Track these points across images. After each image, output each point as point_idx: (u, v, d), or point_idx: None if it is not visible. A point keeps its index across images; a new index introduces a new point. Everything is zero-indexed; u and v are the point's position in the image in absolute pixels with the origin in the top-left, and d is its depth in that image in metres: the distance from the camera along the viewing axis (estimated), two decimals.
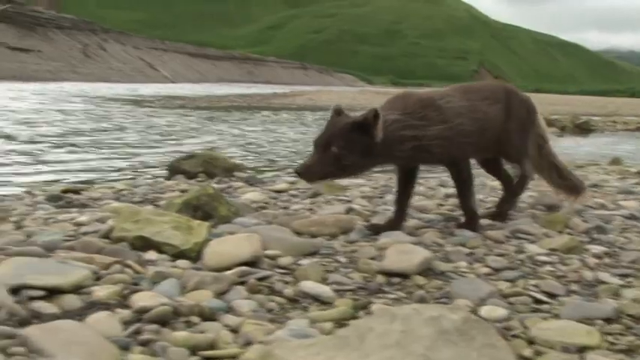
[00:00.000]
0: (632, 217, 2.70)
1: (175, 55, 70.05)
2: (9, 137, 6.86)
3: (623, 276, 1.90)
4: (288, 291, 1.65)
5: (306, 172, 2.09)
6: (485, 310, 1.59)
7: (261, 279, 1.71)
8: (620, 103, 36.31)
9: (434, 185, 3.58)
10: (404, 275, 1.81)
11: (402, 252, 1.91)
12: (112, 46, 59.67)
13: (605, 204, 2.97)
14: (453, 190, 3.25)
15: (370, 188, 3.44)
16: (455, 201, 2.66)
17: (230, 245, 1.85)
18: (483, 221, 2.45)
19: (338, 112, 2.21)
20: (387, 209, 2.68)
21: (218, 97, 25.95)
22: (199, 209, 2.30)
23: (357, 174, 2.34)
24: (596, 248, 2.15)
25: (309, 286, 1.67)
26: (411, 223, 2.42)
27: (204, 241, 1.90)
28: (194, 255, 1.85)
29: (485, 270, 1.92)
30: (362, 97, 29.99)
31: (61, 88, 24.25)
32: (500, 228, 2.40)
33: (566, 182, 2.72)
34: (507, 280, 1.84)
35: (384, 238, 2.13)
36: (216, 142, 7.66)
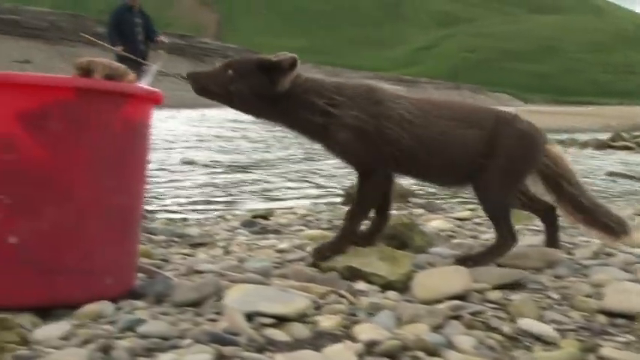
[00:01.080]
0: None
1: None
2: (192, 162, 7.39)
3: None
4: (507, 328, 1.60)
5: (194, 78, 1.97)
6: None
7: (474, 313, 1.68)
8: None
9: (630, 213, 3.33)
10: (629, 317, 1.69)
11: (622, 291, 1.78)
12: None
13: None
14: None
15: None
16: None
17: (439, 277, 1.83)
18: None
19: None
20: (586, 240, 2.53)
21: None
22: (395, 239, 2.31)
23: (243, 110, 2.06)
24: None
25: (529, 323, 1.61)
26: (620, 257, 2.26)
27: (409, 272, 1.91)
28: (401, 286, 1.86)
29: None
30: (524, 116, 28.85)
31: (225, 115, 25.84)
32: None
33: (601, 223, 2.20)
34: None
35: (598, 275, 2.00)
36: None
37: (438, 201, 4.30)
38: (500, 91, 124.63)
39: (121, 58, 8.59)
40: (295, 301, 1.58)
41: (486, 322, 1.63)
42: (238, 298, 1.59)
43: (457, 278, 1.81)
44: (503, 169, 2.06)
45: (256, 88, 1.93)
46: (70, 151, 1.49)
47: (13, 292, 1.47)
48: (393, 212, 2.81)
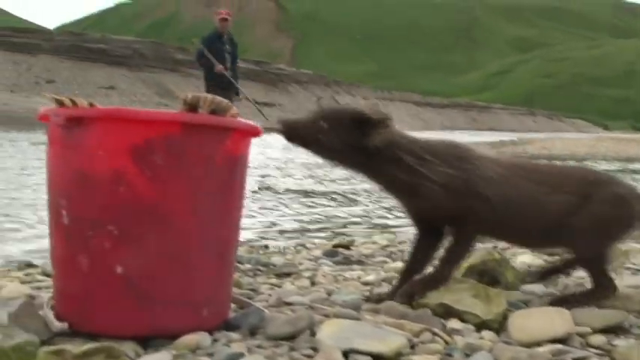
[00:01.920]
0: None
1: (401, 104, 72.03)
2: (268, 188, 7.49)
3: None
4: None
5: (286, 125, 1.91)
6: None
7: (577, 359, 1.60)
8: None
9: None
10: None
11: None
12: (343, 97, 63.21)
13: None
14: None
15: None
16: None
17: (537, 318, 1.76)
18: None
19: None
20: None
21: None
22: (485, 274, 2.24)
23: (330, 159, 2.00)
24: None
25: None
26: None
27: (504, 312, 1.85)
28: (496, 326, 1.80)
29: None
30: (601, 144, 27.89)
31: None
32: None
33: None
34: None
35: None
36: None
37: None
38: (577, 117, 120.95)
39: (209, 85, 8.89)
40: (391, 339, 1.56)
41: None
42: (333, 333, 1.58)
43: (558, 320, 1.74)
44: (595, 234, 2.02)
45: (348, 141, 1.90)
46: (174, 184, 1.53)
47: (117, 321, 1.51)
48: (480, 246, 2.76)
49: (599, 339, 1.75)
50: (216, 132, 1.59)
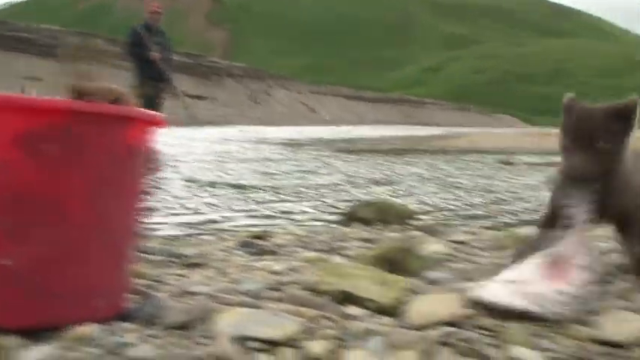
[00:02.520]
0: None
1: (334, 99, 72.47)
2: (190, 180, 7.41)
3: None
4: (497, 356, 1.59)
5: (580, 173, 1.97)
6: None
7: (465, 340, 1.67)
8: None
9: None
10: (620, 345, 1.68)
11: (617, 319, 1.77)
12: (277, 91, 63.12)
13: None
14: None
15: None
16: None
17: (432, 303, 1.82)
18: None
19: (570, 106, 2.08)
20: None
21: (375, 139, 26.29)
22: (391, 263, 2.30)
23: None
24: None
25: (519, 352, 1.60)
26: (621, 285, 2.25)
27: (403, 297, 1.90)
28: (394, 311, 1.85)
29: None
30: (525, 139, 28.91)
31: (242, 133, 26.06)
32: None
33: None
34: None
35: (597, 303, 1.99)
36: (380, 186, 7.73)
37: (438, 225, 4.28)
38: (506, 113, 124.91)
39: (142, 80, 8.68)
40: (285, 325, 1.58)
41: (477, 350, 1.62)
42: (230, 321, 1.59)
43: (449, 304, 1.81)
44: None
45: (625, 142, 2.00)
46: (66, 174, 1.49)
47: (2, 313, 1.47)
48: (379, 236, 2.82)
49: (490, 321, 1.82)
50: (113, 121, 1.57)
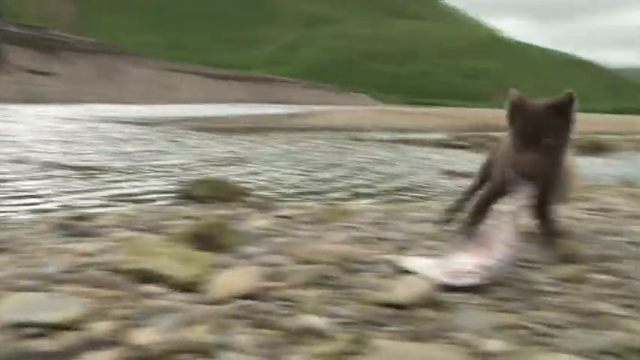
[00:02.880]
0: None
1: (191, 77, 70.89)
2: (20, 161, 6.93)
3: (626, 306, 1.87)
4: (288, 325, 1.64)
5: (529, 170, 2.14)
6: (485, 344, 1.57)
7: (261, 312, 1.71)
8: (634, 122, 35.90)
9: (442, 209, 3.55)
10: (406, 307, 1.80)
11: (404, 283, 1.90)
12: (132, 68, 60.55)
13: (615, 230, 2.93)
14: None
15: (381, 214, 3.43)
16: None
17: (232, 277, 1.84)
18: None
19: (519, 99, 2.21)
20: (391, 237, 2.67)
21: (232, 118, 26.11)
22: (205, 239, 2.30)
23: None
24: (602, 277, 2.12)
25: (308, 319, 1.66)
26: (417, 252, 2.41)
27: (205, 273, 1.90)
28: (193, 287, 1.85)
29: (488, 301, 1.90)
30: (375, 116, 30.04)
31: (88, 111, 24.65)
32: None
33: None
34: (511, 312, 1.81)
35: (389, 268, 2.12)
36: (229, 166, 7.70)
37: (272, 200, 4.35)
38: (361, 92, 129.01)
39: None
40: (69, 308, 1.53)
41: (272, 320, 1.67)
42: (12, 306, 1.51)
43: (248, 277, 1.84)
44: None
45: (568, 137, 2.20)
46: None
47: None
48: (207, 213, 2.82)
49: (289, 292, 1.88)
50: None
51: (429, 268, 2.04)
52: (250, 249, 2.35)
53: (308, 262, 2.18)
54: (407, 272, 2.03)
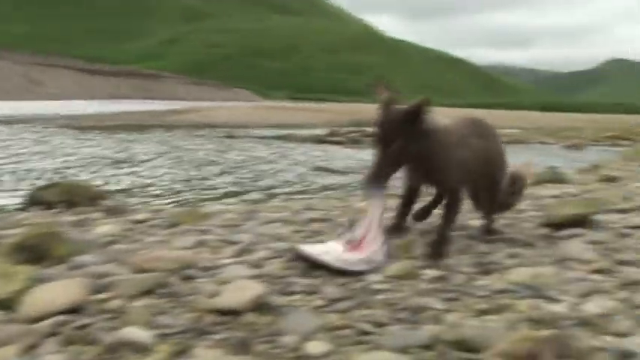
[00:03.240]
0: (469, 236, 2.79)
1: (63, 71, 67.20)
2: None
3: (448, 300, 1.97)
4: (108, 339, 1.58)
5: (374, 178, 2.23)
6: (310, 346, 1.59)
7: (81, 327, 1.63)
8: (501, 116, 38.23)
9: (300, 209, 3.59)
10: (236, 312, 1.79)
11: (237, 288, 1.88)
12: None
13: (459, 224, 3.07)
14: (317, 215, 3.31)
15: (237, 215, 3.40)
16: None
17: (52, 291, 1.75)
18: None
19: (388, 103, 2.25)
20: (238, 240, 2.66)
21: (107, 115, 25.06)
22: (32, 250, 2.17)
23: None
24: (431, 273, 2.22)
25: (130, 332, 1.61)
26: (261, 254, 2.41)
27: (25, 288, 1.79)
28: (11, 304, 1.74)
29: (321, 302, 1.93)
30: (256, 112, 29.99)
31: None
32: None
33: None
34: (339, 312, 1.85)
35: (225, 274, 2.10)
36: (92, 167, 7.38)
37: (129, 203, 4.20)
38: (243, 88, 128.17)
39: None
40: None
41: (90, 336, 1.60)
42: None
43: (70, 290, 1.75)
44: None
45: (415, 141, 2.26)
46: None
47: None
48: (34, 221, 2.67)
49: (117, 303, 1.82)
50: None
51: (325, 254, 2.17)
52: (84, 258, 2.24)
53: (144, 271, 2.11)
54: (240, 277, 2.02)
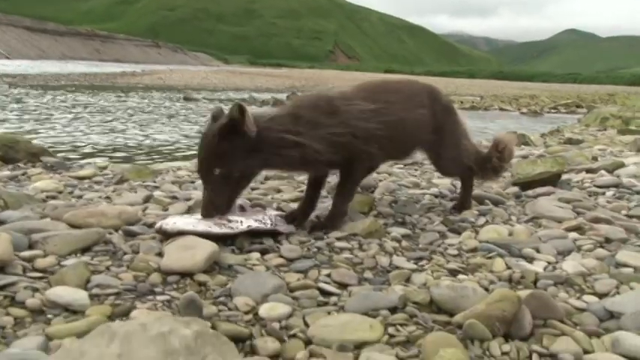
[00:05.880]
0: (440, 195, 2.68)
1: (10, 29, 64.56)
2: None
3: (417, 259, 1.82)
4: (34, 300, 1.38)
5: (210, 212, 1.88)
6: (264, 308, 1.42)
7: (2, 287, 1.43)
8: (460, 84, 38.49)
9: None
10: (185, 272, 1.60)
11: (184, 247, 1.69)
12: None
13: (419, 183, 2.94)
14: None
15: (187, 172, 3.20)
16: None
17: None
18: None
19: (215, 117, 1.89)
20: (191, 196, 2.46)
21: (57, 75, 24.14)
22: None
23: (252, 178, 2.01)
24: (398, 230, 2.07)
25: (61, 292, 1.41)
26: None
27: None
28: None
29: (278, 261, 1.76)
30: (215, 76, 29.40)
31: None
32: None
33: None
34: (298, 272, 1.69)
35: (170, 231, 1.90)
36: (38, 124, 7.00)
37: (73, 161, 3.94)
38: (201, 51, 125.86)
39: None
40: None
41: (13, 297, 1.40)
42: None
43: None
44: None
45: (246, 152, 1.84)
46: None
47: None
48: None
49: (48, 261, 1.61)
50: None
51: (196, 224, 1.85)
52: (13, 213, 2.01)
53: (81, 227, 1.90)
54: (184, 234, 1.81)
